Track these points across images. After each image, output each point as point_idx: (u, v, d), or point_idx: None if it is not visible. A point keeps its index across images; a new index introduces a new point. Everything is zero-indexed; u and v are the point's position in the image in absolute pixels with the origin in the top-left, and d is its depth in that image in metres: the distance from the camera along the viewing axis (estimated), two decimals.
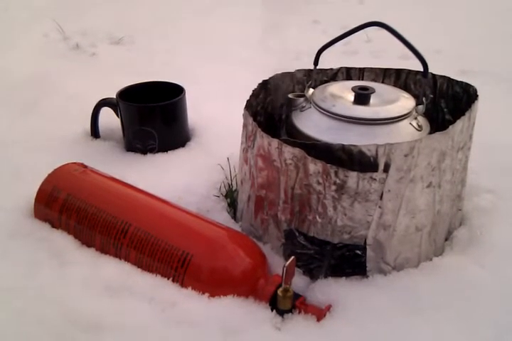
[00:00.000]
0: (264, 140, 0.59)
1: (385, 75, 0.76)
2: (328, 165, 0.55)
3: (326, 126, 0.61)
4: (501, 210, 0.66)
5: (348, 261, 0.61)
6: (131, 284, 0.55)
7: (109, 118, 0.87)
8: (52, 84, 1.06)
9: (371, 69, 0.76)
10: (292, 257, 0.53)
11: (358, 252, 0.60)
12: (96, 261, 0.58)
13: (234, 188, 0.74)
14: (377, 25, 0.62)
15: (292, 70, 0.74)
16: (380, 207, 0.57)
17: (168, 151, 0.82)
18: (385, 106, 0.62)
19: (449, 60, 1.19)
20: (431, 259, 0.62)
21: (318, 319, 0.52)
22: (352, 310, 0.52)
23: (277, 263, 0.60)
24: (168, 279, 0.55)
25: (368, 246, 0.59)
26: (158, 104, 0.79)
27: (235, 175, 0.75)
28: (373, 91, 0.64)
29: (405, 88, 0.75)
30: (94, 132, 0.87)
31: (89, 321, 0.50)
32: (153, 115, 0.80)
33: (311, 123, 0.63)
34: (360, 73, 0.76)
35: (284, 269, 0.51)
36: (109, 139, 0.87)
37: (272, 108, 0.75)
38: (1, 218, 0.66)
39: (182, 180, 0.73)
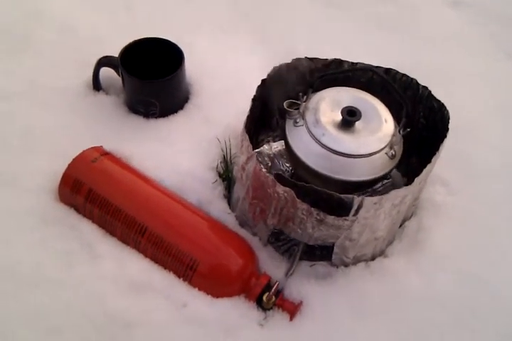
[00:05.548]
0: (261, 172, 0.69)
1: (374, 71, 0.81)
2: (312, 208, 0.67)
3: (314, 152, 0.71)
4: (449, 209, 0.80)
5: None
6: (151, 281, 0.71)
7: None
8: (39, 11, 1.02)
9: (363, 65, 0.80)
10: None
11: None
12: (121, 256, 0.73)
13: (230, 168, 0.84)
14: (372, 73, 0.67)
15: None
16: (349, 229, 0.71)
17: (169, 116, 0.89)
18: (367, 139, 0.71)
19: None
20: (383, 252, 0.79)
21: (291, 318, 0.71)
22: (317, 309, 0.71)
23: (265, 257, 0.76)
24: (179, 278, 0.72)
25: (335, 246, 0.75)
26: (161, 79, 0.84)
27: (231, 156, 0.85)
28: (359, 117, 0.71)
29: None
30: (96, 86, 0.91)
31: (123, 318, 0.67)
32: (156, 88, 0.85)
33: (302, 145, 0.72)
34: (353, 66, 0.81)
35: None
36: (111, 92, 0.92)
37: (268, 96, 0.82)
38: (30, 201, 0.77)
39: (183, 161, 0.83)
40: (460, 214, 0.80)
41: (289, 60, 0.81)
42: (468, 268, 0.75)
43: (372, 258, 0.79)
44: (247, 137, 0.71)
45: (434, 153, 0.70)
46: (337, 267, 0.78)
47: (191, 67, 0.92)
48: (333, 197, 0.66)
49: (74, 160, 0.77)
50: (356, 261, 0.78)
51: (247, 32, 1.01)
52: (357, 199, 0.66)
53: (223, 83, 0.94)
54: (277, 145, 0.92)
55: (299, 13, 1.07)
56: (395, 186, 0.87)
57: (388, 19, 1.09)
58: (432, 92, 0.78)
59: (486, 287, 0.74)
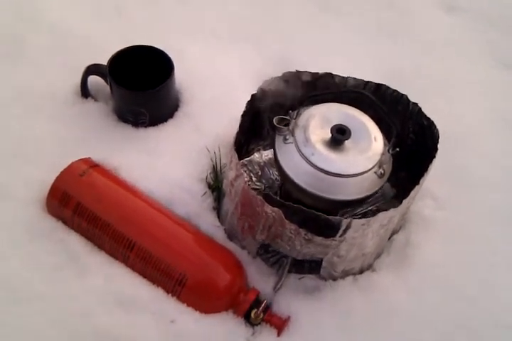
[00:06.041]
0: (249, 191, 0.69)
1: (365, 87, 0.80)
2: (300, 229, 0.67)
3: (303, 171, 0.70)
4: (437, 224, 0.81)
5: None
6: (140, 297, 0.71)
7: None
8: (30, 15, 1.00)
9: (354, 79, 0.80)
10: None
11: None
12: (109, 270, 0.73)
13: (220, 178, 0.84)
14: (360, 94, 0.67)
15: None
16: (337, 248, 0.72)
17: (159, 125, 0.89)
18: (356, 158, 0.70)
19: None
20: (371, 265, 0.80)
21: (279, 334, 0.72)
22: (305, 325, 0.72)
23: (254, 271, 0.77)
24: (168, 293, 0.72)
25: (323, 261, 0.76)
26: (150, 90, 0.83)
27: (221, 166, 0.85)
28: (348, 136, 0.71)
29: (382, 100, 0.80)
30: (84, 93, 0.90)
31: (111, 333, 0.68)
32: (145, 99, 0.84)
33: (291, 164, 0.71)
34: (344, 80, 0.80)
35: None
36: (100, 99, 0.91)
37: (259, 108, 0.81)
38: (17, 212, 0.77)
39: (172, 172, 0.83)
40: (449, 229, 0.81)
41: (283, 67, 0.81)
42: (456, 285, 0.76)
43: (361, 272, 0.79)
44: (236, 155, 0.70)
45: (423, 173, 0.70)
46: (325, 280, 0.79)
47: (181, 73, 0.91)
48: (321, 217, 0.67)
49: (62, 173, 0.77)
50: (344, 274, 0.79)
51: (241, 38, 1.00)
52: (344, 221, 0.66)
53: (214, 90, 0.93)
54: (268, 154, 0.92)
55: (295, 19, 1.06)
56: (384, 197, 0.87)
57: (387, 25, 1.08)
58: (423, 109, 0.78)
59: (474, 304, 0.75)
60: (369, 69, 1.00)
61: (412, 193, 0.69)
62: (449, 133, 0.80)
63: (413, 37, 1.07)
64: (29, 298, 0.71)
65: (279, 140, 0.74)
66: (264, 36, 1.01)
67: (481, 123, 0.93)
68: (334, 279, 0.79)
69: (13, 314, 0.70)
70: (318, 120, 0.73)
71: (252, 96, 0.76)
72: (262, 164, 0.90)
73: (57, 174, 0.78)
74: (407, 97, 0.78)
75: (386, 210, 0.67)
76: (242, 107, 0.75)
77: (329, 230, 0.68)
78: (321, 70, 0.83)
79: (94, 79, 0.90)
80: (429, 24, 1.09)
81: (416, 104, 0.78)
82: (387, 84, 0.80)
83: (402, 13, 1.10)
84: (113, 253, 0.75)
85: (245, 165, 0.89)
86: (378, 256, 0.81)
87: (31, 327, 0.69)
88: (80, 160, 0.80)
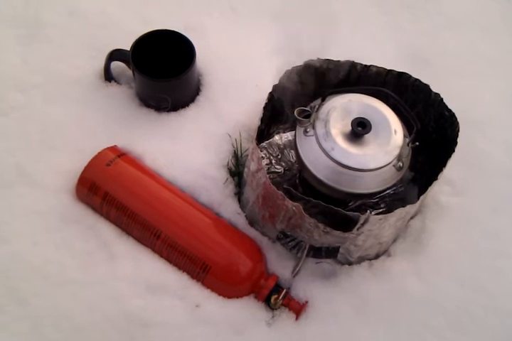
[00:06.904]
0: (270, 187, 0.71)
1: (388, 75, 0.80)
2: (320, 224, 0.70)
3: (323, 165, 0.72)
4: (453, 211, 0.82)
5: None
6: (167, 282, 0.75)
7: None
8: None
9: (376, 67, 0.80)
10: None
11: None
12: (138, 256, 0.77)
13: (241, 161, 0.86)
14: (382, 92, 0.67)
15: None
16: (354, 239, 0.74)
17: (180, 110, 0.90)
18: (376, 153, 0.71)
19: None
20: (387, 250, 0.83)
21: (297, 318, 0.76)
22: (321, 309, 0.76)
23: (273, 256, 0.81)
24: (193, 279, 0.76)
25: (340, 248, 0.79)
26: (173, 78, 0.83)
27: (242, 151, 0.87)
28: (369, 130, 0.72)
29: (404, 88, 0.80)
30: (108, 77, 0.91)
31: (141, 318, 0.73)
32: (167, 86, 0.85)
33: (312, 157, 0.73)
34: (365, 68, 0.80)
35: None
36: (123, 81, 0.91)
37: (279, 96, 0.82)
38: (49, 199, 0.80)
39: (194, 159, 0.84)
40: (464, 216, 0.82)
41: (305, 49, 0.81)
42: (468, 272, 0.78)
43: (376, 257, 0.82)
44: (258, 150, 0.72)
45: (441, 168, 0.71)
46: (342, 264, 0.82)
47: (203, 55, 0.90)
48: (339, 212, 0.69)
49: (89, 163, 0.79)
50: (361, 260, 0.82)
51: (263, 16, 0.98)
52: (362, 217, 0.68)
53: (235, 72, 0.93)
54: (288, 136, 0.93)
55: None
56: (402, 180, 0.88)
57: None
58: (443, 93, 0.78)
59: (485, 292, 0.77)
60: (389, 45, 0.98)
61: (430, 188, 0.70)
62: (470, 117, 0.81)
63: (436, 10, 1.04)
64: (62, 282, 0.76)
65: (299, 132, 0.75)
66: (290, 14, 0.99)
67: (503, 108, 0.92)
68: (350, 264, 0.82)
69: (47, 298, 0.74)
70: (339, 112, 0.74)
71: (274, 87, 0.77)
72: (281, 146, 0.92)
73: (83, 160, 0.80)
74: (429, 87, 0.78)
75: (403, 206, 0.69)
76: (263, 90, 0.76)
77: (348, 221, 0.70)
78: (342, 49, 0.83)
79: (117, 63, 0.91)
80: None
81: (438, 94, 0.77)
82: (408, 68, 0.80)
83: None
84: (141, 240, 0.79)
85: (265, 148, 0.91)
86: (394, 241, 0.84)
87: (64, 311, 0.74)
88: (107, 148, 0.82)
